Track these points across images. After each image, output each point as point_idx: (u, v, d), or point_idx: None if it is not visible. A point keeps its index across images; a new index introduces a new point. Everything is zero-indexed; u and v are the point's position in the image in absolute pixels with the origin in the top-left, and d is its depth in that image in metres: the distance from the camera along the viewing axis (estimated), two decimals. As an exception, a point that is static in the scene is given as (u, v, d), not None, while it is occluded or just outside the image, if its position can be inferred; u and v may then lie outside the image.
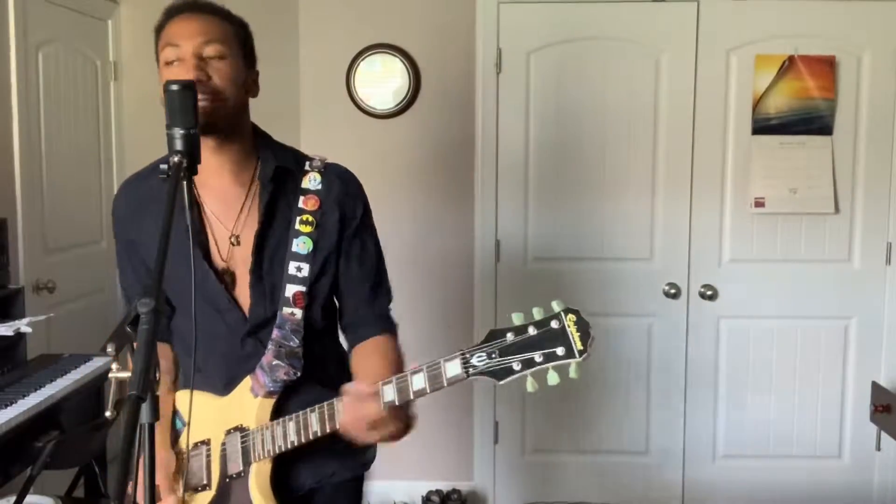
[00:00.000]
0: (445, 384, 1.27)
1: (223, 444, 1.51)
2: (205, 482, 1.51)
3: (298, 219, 1.52)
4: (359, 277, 1.59)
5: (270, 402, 1.49)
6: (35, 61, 2.97)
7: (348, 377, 1.70)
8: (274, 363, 1.48)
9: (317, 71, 3.37)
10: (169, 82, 1.29)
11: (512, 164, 3.34)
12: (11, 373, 2.44)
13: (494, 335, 1.24)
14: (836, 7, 3.24)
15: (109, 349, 1.17)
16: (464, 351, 1.25)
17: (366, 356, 1.56)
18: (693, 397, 3.42)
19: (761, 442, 3.42)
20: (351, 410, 1.36)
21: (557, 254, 3.38)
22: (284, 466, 1.52)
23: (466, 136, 3.36)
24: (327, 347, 1.61)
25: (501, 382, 1.24)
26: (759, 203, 3.25)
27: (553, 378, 1.21)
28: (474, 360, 1.24)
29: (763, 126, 3.27)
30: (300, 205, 1.53)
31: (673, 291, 3.35)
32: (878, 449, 3.23)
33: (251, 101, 1.56)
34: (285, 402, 1.51)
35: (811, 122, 3.27)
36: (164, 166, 1.27)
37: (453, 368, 1.26)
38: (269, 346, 1.49)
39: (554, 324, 1.21)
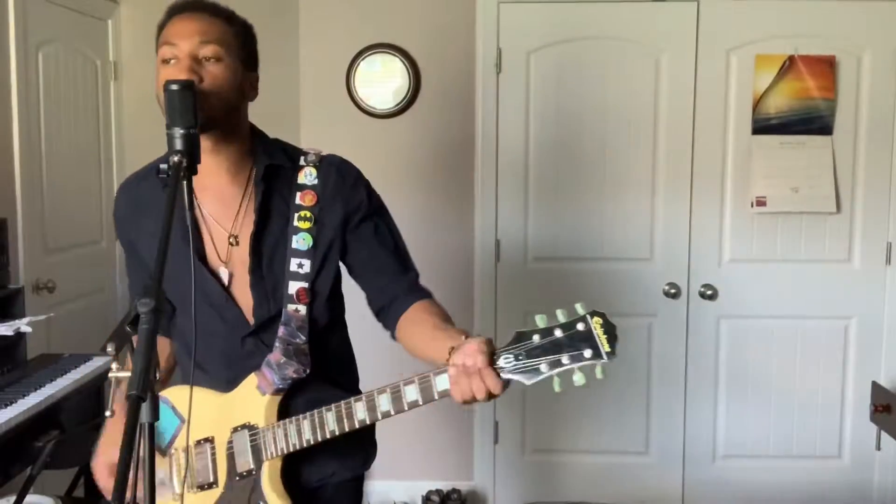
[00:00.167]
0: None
1: (229, 441, 1.50)
2: (211, 480, 1.51)
3: (296, 215, 1.52)
4: (383, 256, 1.57)
5: (278, 399, 1.50)
6: (35, 61, 2.97)
7: (353, 372, 1.71)
8: (283, 361, 1.48)
9: (317, 71, 3.37)
10: (169, 82, 1.29)
11: (512, 163, 3.34)
12: (11, 373, 2.44)
13: (521, 337, 1.26)
14: (836, 7, 3.24)
15: (109, 349, 1.18)
16: (495, 349, 1.26)
17: (416, 322, 1.51)
18: (693, 397, 3.42)
19: (761, 442, 3.42)
20: (465, 386, 1.28)
21: (557, 254, 3.38)
22: (287, 465, 1.52)
23: (466, 136, 3.36)
24: (332, 343, 1.61)
25: (529, 383, 1.25)
26: (761, 202, 3.25)
27: (580, 379, 1.23)
28: (501, 362, 1.25)
29: (763, 126, 3.27)
30: (297, 201, 1.52)
31: (673, 291, 3.35)
32: (878, 449, 3.22)
33: (252, 102, 1.55)
34: (289, 399, 1.51)
35: (811, 122, 3.27)
36: (163, 166, 1.27)
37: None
38: (277, 344, 1.49)
39: (580, 326, 1.23)
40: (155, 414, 1.04)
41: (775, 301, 3.35)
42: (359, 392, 1.68)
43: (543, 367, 1.24)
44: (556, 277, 3.38)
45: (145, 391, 1.00)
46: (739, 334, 3.39)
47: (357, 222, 1.55)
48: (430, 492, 3.40)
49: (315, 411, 1.43)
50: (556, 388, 1.24)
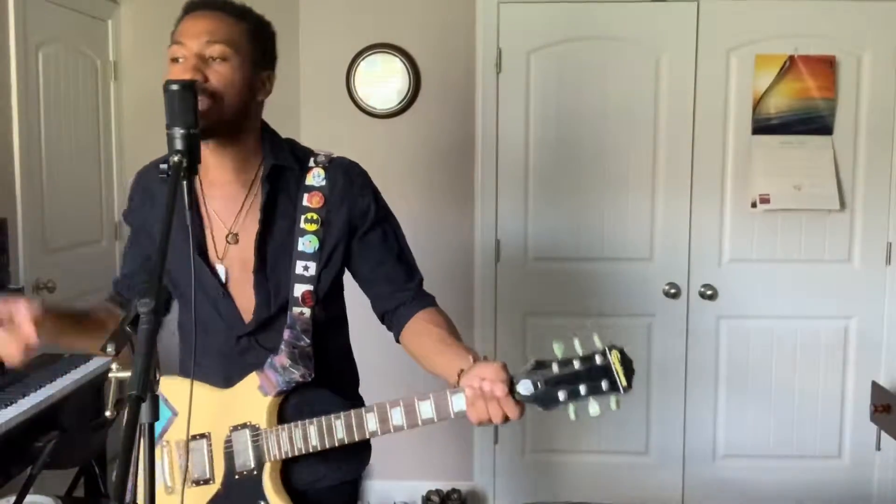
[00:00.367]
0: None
1: (228, 439, 1.50)
2: (207, 476, 1.51)
3: (303, 217, 1.51)
4: (389, 264, 1.58)
5: (279, 400, 1.50)
6: (35, 61, 2.96)
7: (354, 372, 1.71)
8: (288, 365, 1.47)
9: (317, 71, 3.37)
10: (169, 82, 1.29)
11: (512, 163, 3.34)
12: (11, 373, 2.43)
13: (539, 365, 1.30)
14: (836, 7, 3.24)
15: (109, 349, 1.17)
16: (512, 376, 1.30)
17: (422, 332, 1.53)
18: (693, 397, 3.42)
19: (761, 442, 3.42)
20: (481, 409, 1.31)
21: (557, 254, 3.38)
22: (284, 466, 1.52)
23: (466, 135, 3.36)
24: (333, 343, 1.61)
25: (547, 410, 1.29)
26: (764, 199, 3.24)
27: (594, 409, 1.27)
28: (520, 388, 1.29)
29: (763, 126, 3.27)
30: (304, 202, 1.52)
31: (673, 291, 3.35)
32: (878, 449, 3.23)
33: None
34: (287, 400, 1.51)
35: (811, 122, 3.27)
36: (163, 166, 1.27)
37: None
38: (283, 348, 1.48)
39: (598, 359, 1.28)
40: (155, 414, 1.04)
41: (775, 301, 3.35)
42: (358, 393, 1.69)
43: (561, 396, 1.28)
44: (556, 277, 3.38)
45: (145, 391, 1.00)
46: (739, 334, 3.39)
47: (365, 230, 1.55)
48: (430, 492, 3.40)
49: (323, 418, 1.43)
50: (572, 417, 1.29)
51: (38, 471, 2.17)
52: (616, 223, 3.35)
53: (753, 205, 3.28)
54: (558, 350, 1.30)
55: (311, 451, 1.44)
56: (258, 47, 1.50)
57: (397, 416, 1.38)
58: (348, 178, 1.55)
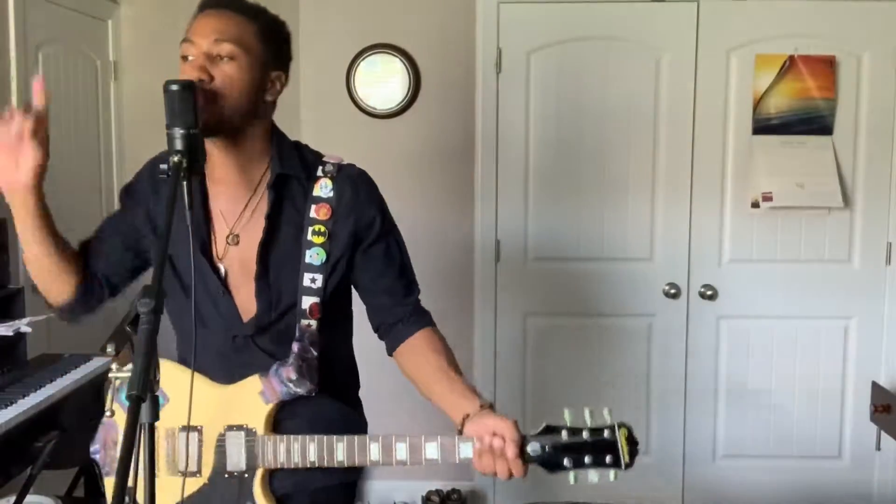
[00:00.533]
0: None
1: (221, 436, 1.50)
2: (194, 469, 1.51)
3: (311, 229, 1.51)
4: (390, 278, 1.58)
5: (277, 407, 1.49)
6: (35, 61, 2.96)
7: (355, 377, 1.70)
8: (295, 378, 1.47)
9: (317, 71, 3.37)
10: (168, 82, 1.29)
11: (512, 163, 3.34)
12: (11, 373, 2.43)
13: (550, 430, 1.38)
14: (836, 7, 3.24)
15: (109, 349, 1.18)
16: (524, 435, 1.38)
17: (420, 356, 1.55)
18: (693, 397, 3.42)
19: (761, 442, 3.42)
20: (489, 462, 1.39)
21: (557, 254, 3.38)
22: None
23: (466, 136, 3.36)
24: (337, 348, 1.61)
25: (550, 473, 1.38)
26: (767, 197, 3.23)
27: (594, 478, 1.37)
28: (528, 449, 1.37)
29: (763, 126, 3.27)
30: (312, 214, 1.51)
31: (673, 291, 3.35)
32: (878, 449, 3.23)
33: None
34: (285, 402, 1.51)
35: (811, 122, 3.27)
36: (163, 166, 1.27)
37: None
38: (291, 361, 1.48)
39: (606, 433, 1.37)
40: (155, 414, 1.04)
41: (775, 301, 3.35)
42: (358, 396, 1.69)
43: (566, 463, 1.37)
44: (556, 277, 3.38)
45: (145, 391, 1.00)
46: (739, 334, 3.39)
47: (370, 243, 1.55)
48: (430, 492, 3.40)
49: (325, 437, 1.43)
50: (572, 482, 1.38)
51: (38, 471, 2.17)
52: (616, 223, 3.35)
53: (754, 205, 3.27)
54: (568, 417, 1.37)
55: (307, 465, 1.44)
56: (270, 47, 1.49)
57: (401, 451, 1.41)
58: (356, 189, 1.54)
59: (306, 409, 1.50)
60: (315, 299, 1.51)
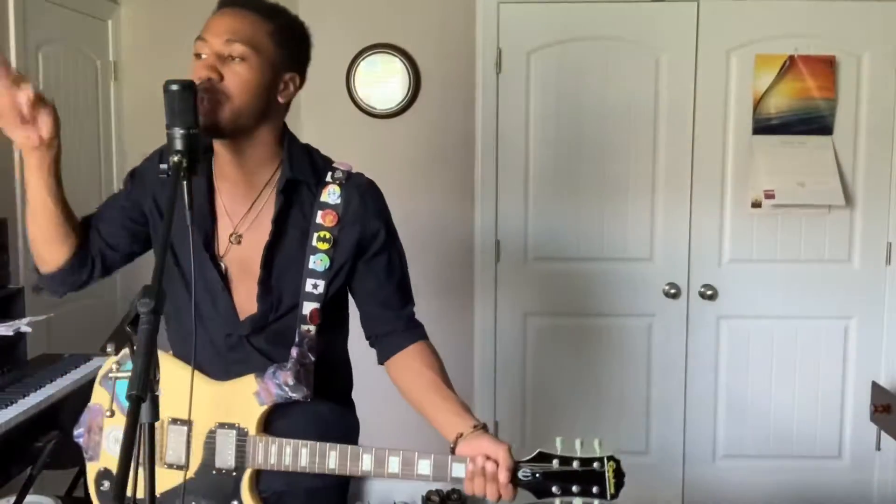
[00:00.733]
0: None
1: (211, 433, 1.49)
2: (182, 463, 1.50)
3: (316, 235, 1.50)
4: (388, 289, 1.59)
5: (269, 409, 1.49)
6: (35, 61, 2.97)
7: (348, 377, 1.70)
8: (292, 384, 1.46)
9: (317, 71, 3.35)
10: (168, 82, 1.29)
11: (512, 163, 3.34)
12: (11, 373, 2.43)
13: (542, 457, 1.41)
14: (836, 7, 3.24)
15: (109, 349, 1.18)
16: (517, 461, 1.40)
17: (413, 370, 1.57)
18: (693, 397, 3.42)
19: (761, 442, 3.42)
20: (480, 485, 1.40)
21: (557, 253, 3.38)
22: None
23: (466, 136, 3.36)
24: (332, 351, 1.61)
25: (537, 499, 1.40)
26: (769, 195, 3.23)
27: None
28: (520, 474, 1.40)
29: (764, 126, 3.27)
30: (318, 220, 1.51)
31: (673, 291, 3.35)
32: (878, 449, 3.23)
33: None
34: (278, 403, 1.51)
35: (811, 122, 3.27)
36: (163, 166, 1.28)
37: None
38: (289, 365, 1.47)
39: (596, 465, 1.42)
40: (155, 414, 1.04)
41: (775, 301, 3.35)
42: (350, 398, 1.69)
43: (555, 490, 1.40)
44: (556, 277, 3.38)
45: (145, 391, 1.00)
46: (739, 334, 3.39)
47: (372, 254, 1.56)
48: (430, 492, 3.40)
49: (318, 444, 1.43)
50: None
51: (38, 471, 2.17)
52: (616, 223, 3.35)
53: (755, 204, 3.28)
54: (561, 446, 1.42)
55: (298, 470, 1.44)
56: (284, 48, 1.47)
57: (394, 465, 1.43)
58: (363, 199, 1.54)
59: (299, 410, 1.50)
60: (315, 305, 1.51)
